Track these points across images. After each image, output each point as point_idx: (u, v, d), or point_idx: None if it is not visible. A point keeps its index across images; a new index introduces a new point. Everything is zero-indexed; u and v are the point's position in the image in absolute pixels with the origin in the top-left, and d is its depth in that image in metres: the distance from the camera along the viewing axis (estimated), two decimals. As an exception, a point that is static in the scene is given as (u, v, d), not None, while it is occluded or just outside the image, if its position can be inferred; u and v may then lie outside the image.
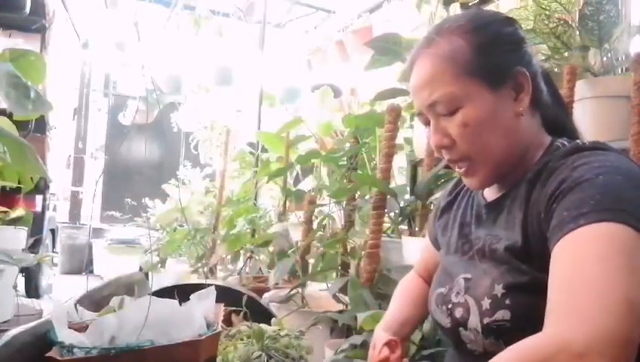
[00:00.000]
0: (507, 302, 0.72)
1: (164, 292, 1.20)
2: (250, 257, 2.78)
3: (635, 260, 0.61)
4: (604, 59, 1.63)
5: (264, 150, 3.21)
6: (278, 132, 2.87)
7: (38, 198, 4.13)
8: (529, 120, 0.80)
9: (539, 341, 0.61)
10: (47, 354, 0.83)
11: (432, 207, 1.78)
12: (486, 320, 0.74)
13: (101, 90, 8.04)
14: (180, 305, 1.00)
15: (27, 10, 3.48)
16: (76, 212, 7.22)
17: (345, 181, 2.24)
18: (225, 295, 1.23)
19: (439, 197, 1.08)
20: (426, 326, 1.32)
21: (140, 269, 3.35)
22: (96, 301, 1.20)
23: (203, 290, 1.07)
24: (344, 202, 2.18)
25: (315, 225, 2.34)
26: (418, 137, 2.03)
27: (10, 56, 1.31)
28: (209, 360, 0.98)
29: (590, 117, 1.55)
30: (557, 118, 0.86)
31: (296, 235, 2.40)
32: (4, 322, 2.66)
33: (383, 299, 1.54)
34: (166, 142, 8.16)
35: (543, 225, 0.71)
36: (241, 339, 1.24)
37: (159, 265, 3.36)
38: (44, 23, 4.03)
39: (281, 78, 4.70)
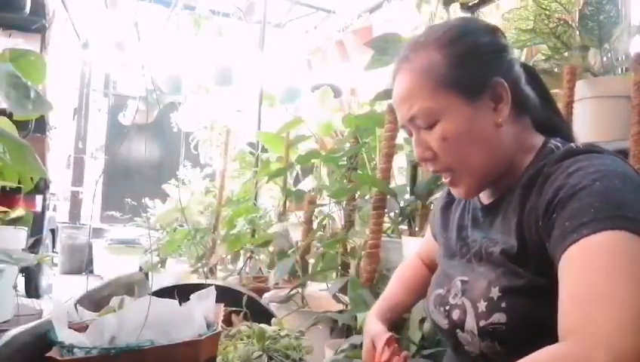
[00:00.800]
0: (503, 305, 0.73)
1: (164, 292, 1.20)
2: (250, 257, 2.78)
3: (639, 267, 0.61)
4: (604, 59, 1.63)
5: (264, 150, 3.21)
6: (278, 132, 2.87)
7: (38, 198, 4.13)
8: (513, 127, 0.80)
9: (562, 355, 0.60)
10: (47, 354, 0.83)
11: (432, 207, 1.78)
12: (482, 323, 0.74)
13: (101, 90, 8.03)
14: (180, 305, 1.00)
15: (27, 10, 3.48)
16: (76, 212, 7.21)
17: (345, 181, 2.24)
18: (225, 295, 1.23)
19: (438, 197, 1.08)
20: (426, 326, 1.32)
21: (140, 269, 3.35)
22: (96, 301, 1.20)
23: (203, 290, 1.07)
24: (344, 202, 2.18)
25: (315, 225, 2.34)
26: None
27: (10, 56, 1.30)
28: (209, 360, 0.98)
29: (590, 117, 1.54)
30: (549, 120, 0.85)
31: (296, 235, 2.40)
32: (4, 322, 2.66)
33: (383, 299, 1.54)
34: (166, 142, 8.16)
35: (541, 232, 0.71)
36: (241, 339, 1.24)
37: (159, 265, 3.36)
38: (44, 22, 4.03)
39: (281, 78, 4.70)
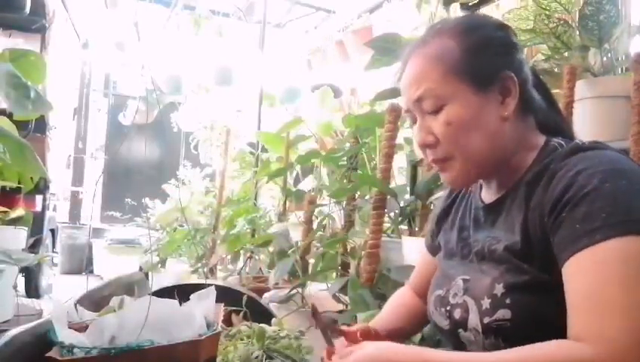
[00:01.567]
0: (507, 301, 0.73)
1: (164, 292, 1.20)
2: (250, 257, 2.78)
3: None
4: (604, 59, 1.63)
5: (264, 150, 3.21)
6: (278, 132, 2.87)
7: (38, 198, 4.13)
8: (517, 124, 0.80)
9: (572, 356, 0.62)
10: (47, 354, 0.83)
11: (432, 207, 1.78)
12: (486, 320, 0.74)
13: (101, 90, 8.04)
14: (180, 305, 1.00)
15: (27, 10, 3.48)
16: (76, 212, 7.22)
17: (345, 181, 2.24)
18: (225, 295, 1.23)
19: (437, 204, 1.07)
20: (426, 326, 1.32)
21: (140, 269, 3.35)
22: (96, 301, 1.20)
23: (203, 290, 1.07)
24: (344, 202, 2.18)
25: (315, 225, 2.34)
26: (418, 137, 2.02)
27: (10, 56, 1.30)
28: (209, 360, 0.98)
29: (590, 117, 1.55)
30: (552, 121, 0.86)
31: (296, 235, 2.39)
32: (4, 322, 2.66)
33: (382, 299, 1.54)
34: (166, 142, 8.15)
35: (546, 228, 0.71)
36: (241, 339, 1.24)
37: (159, 265, 3.36)
38: (44, 23, 4.03)
39: (281, 78, 4.69)
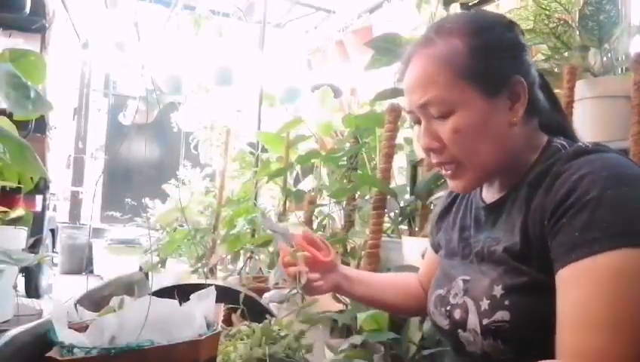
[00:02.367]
0: (506, 302, 0.72)
1: (164, 292, 1.20)
2: (250, 257, 2.77)
3: None
4: (604, 59, 1.63)
5: (264, 150, 3.21)
6: (278, 132, 2.87)
7: (38, 198, 4.13)
8: (523, 127, 0.79)
9: None
10: (47, 354, 0.83)
11: (432, 207, 1.79)
12: (485, 321, 0.74)
13: (101, 90, 8.04)
14: (180, 305, 1.00)
15: (27, 10, 3.47)
16: (76, 212, 7.22)
17: (345, 181, 2.24)
18: (225, 295, 1.23)
19: (438, 203, 1.07)
20: (426, 326, 1.32)
21: (140, 269, 3.35)
22: (96, 301, 1.20)
23: (203, 290, 1.07)
24: (344, 202, 2.18)
25: (315, 225, 2.34)
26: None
27: (10, 56, 1.30)
28: (209, 360, 0.98)
29: (590, 117, 1.54)
30: (555, 121, 0.85)
31: (296, 235, 2.39)
32: (4, 322, 2.66)
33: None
34: (166, 142, 8.16)
35: (546, 231, 0.70)
36: (241, 339, 1.24)
37: (159, 265, 3.35)
38: (44, 23, 4.03)
39: (281, 78, 4.70)
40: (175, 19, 5.47)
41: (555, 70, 1.72)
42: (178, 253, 3.48)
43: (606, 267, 0.63)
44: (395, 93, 2.08)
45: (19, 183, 1.43)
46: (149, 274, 1.92)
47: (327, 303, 1.85)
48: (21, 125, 1.44)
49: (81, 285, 1.32)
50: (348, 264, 2.04)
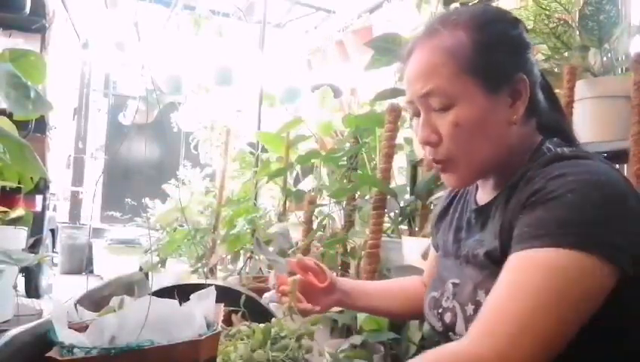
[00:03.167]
0: None
1: (164, 292, 1.20)
2: (250, 257, 2.77)
3: (574, 293, 0.61)
4: (604, 59, 1.63)
5: (264, 150, 3.21)
6: (278, 132, 2.87)
7: (38, 198, 4.13)
8: (521, 127, 0.78)
9: (457, 350, 0.64)
10: (47, 354, 0.83)
11: (432, 207, 1.78)
12: (470, 326, 0.74)
13: (101, 90, 8.04)
14: (180, 305, 1.00)
15: (27, 10, 3.47)
16: (76, 212, 7.22)
17: (345, 181, 2.24)
18: (225, 295, 1.23)
19: (441, 198, 1.08)
20: (426, 326, 1.32)
21: (140, 269, 3.35)
22: (96, 301, 1.20)
23: (203, 290, 1.07)
24: (344, 202, 2.18)
25: (315, 225, 2.34)
26: (418, 137, 2.02)
27: (10, 56, 1.30)
28: (209, 360, 0.98)
29: (590, 117, 1.54)
30: (553, 121, 0.84)
31: (296, 235, 2.39)
32: (4, 322, 2.66)
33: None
34: (166, 142, 8.15)
35: (511, 232, 0.70)
36: (241, 339, 1.24)
37: (159, 265, 3.36)
38: (44, 23, 4.03)
39: (281, 78, 4.69)
40: (175, 19, 5.47)
41: (555, 70, 1.72)
42: (178, 253, 3.48)
43: (538, 260, 0.63)
44: (395, 93, 2.08)
45: (19, 183, 1.42)
46: (149, 274, 1.92)
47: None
48: (21, 125, 1.44)
49: (81, 285, 1.31)
50: (348, 264, 2.04)
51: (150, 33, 5.11)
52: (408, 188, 2.10)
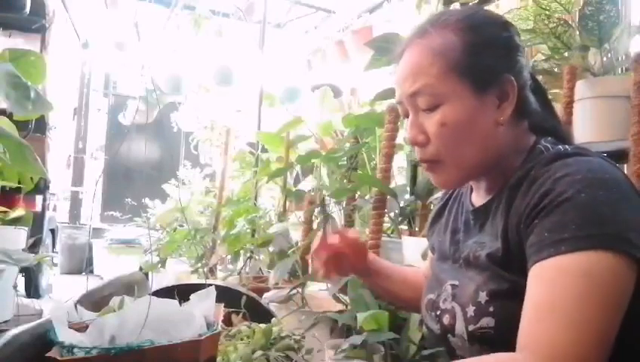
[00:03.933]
0: (491, 309, 0.72)
1: (164, 292, 1.20)
2: (250, 257, 2.78)
3: (612, 293, 0.62)
4: (604, 59, 1.63)
5: (264, 150, 3.21)
6: (278, 132, 2.87)
7: (38, 198, 4.14)
8: (510, 129, 0.78)
9: None
10: (47, 354, 0.83)
11: (432, 207, 1.78)
12: (471, 327, 0.74)
13: (101, 90, 8.04)
14: (180, 305, 1.00)
15: (27, 10, 3.48)
16: (76, 212, 7.22)
17: (345, 181, 2.24)
18: (225, 295, 1.23)
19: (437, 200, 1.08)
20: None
21: (140, 269, 3.35)
22: (96, 301, 1.20)
23: (203, 290, 1.07)
24: (344, 202, 2.18)
25: (315, 225, 2.34)
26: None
27: (10, 56, 1.30)
28: (209, 360, 0.98)
29: (590, 117, 1.54)
30: (545, 122, 0.84)
31: (296, 235, 2.39)
32: (4, 322, 2.66)
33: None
34: (166, 142, 8.16)
35: (521, 234, 0.70)
36: (241, 339, 1.24)
37: (159, 265, 3.36)
38: (44, 22, 4.03)
39: (281, 78, 4.70)
40: (175, 19, 5.48)
41: (555, 70, 1.72)
42: (178, 253, 3.48)
43: (572, 265, 0.63)
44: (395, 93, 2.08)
45: (19, 183, 1.43)
46: (149, 274, 1.93)
47: (327, 303, 1.85)
48: (21, 125, 1.44)
49: (81, 285, 1.32)
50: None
51: (150, 33, 5.12)
52: (408, 188, 2.10)
